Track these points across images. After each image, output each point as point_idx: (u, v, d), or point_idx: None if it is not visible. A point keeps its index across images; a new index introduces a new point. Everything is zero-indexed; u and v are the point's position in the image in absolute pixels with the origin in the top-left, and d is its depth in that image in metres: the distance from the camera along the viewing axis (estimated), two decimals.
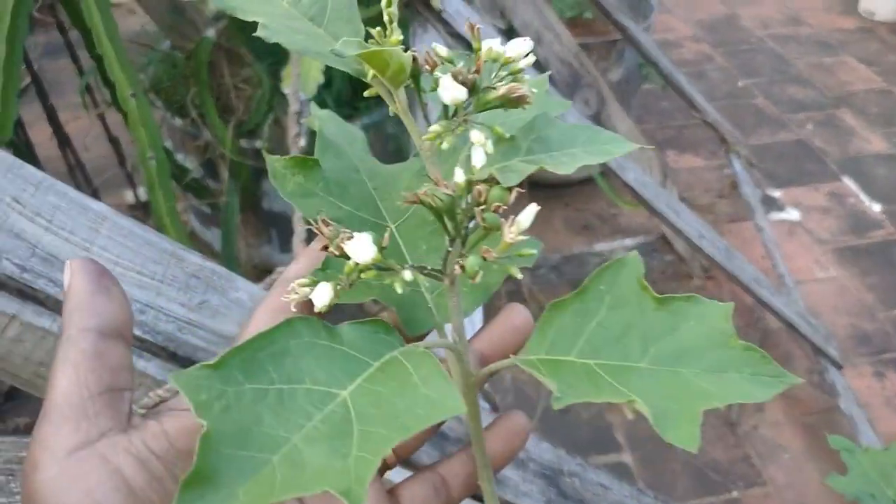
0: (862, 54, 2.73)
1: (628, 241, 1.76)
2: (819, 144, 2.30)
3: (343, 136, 0.37)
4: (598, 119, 1.54)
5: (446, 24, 1.04)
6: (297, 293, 0.30)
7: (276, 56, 1.37)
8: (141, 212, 1.89)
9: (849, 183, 2.15)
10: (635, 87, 2.19)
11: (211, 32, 1.26)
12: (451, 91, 0.29)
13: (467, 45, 1.12)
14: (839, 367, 1.55)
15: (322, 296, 0.30)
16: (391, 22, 0.31)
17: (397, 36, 0.30)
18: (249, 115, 1.37)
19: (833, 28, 2.90)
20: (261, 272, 1.65)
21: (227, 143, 1.36)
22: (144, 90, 1.35)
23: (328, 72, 1.05)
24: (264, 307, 0.33)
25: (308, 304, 0.31)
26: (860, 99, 2.50)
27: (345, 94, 1.36)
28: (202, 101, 1.34)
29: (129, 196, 1.93)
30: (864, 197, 2.10)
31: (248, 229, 1.59)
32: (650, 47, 1.67)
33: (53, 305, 0.46)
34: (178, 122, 1.50)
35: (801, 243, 1.95)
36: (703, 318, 0.31)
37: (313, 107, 0.37)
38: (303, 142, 0.76)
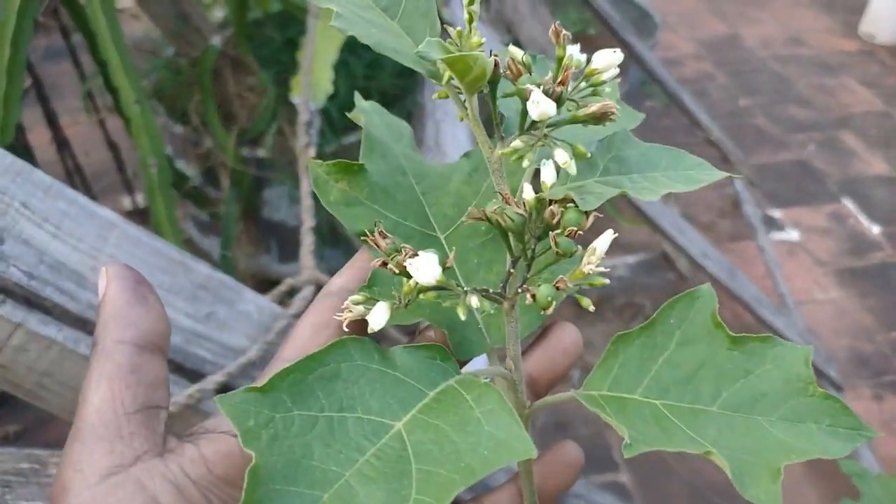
0: (862, 76, 2.74)
1: (629, 259, 1.75)
2: (819, 165, 2.30)
3: (389, 130, 0.35)
4: None
5: None
6: (350, 311, 0.28)
7: (281, 65, 1.36)
8: (138, 218, 1.88)
9: (849, 204, 2.15)
10: (638, 105, 2.19)
11: (216, 40, 1.25)
12: (541, 106, 0.27)
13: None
14: (840, 389, 1.54)
15: (379, 316, 0.28)
16: (471, 21, 0.28)
17: (478, 38, 0.28)
18: (252, 124, 1.36)
19: (834, 50, 2.91)
20: (259, 282, 1.64)
21: (229, 152, 1.35)
22: (147, 96, 1.34)
23: (335, 82, 1.04)
24: (307, 322, 0.31)
25: (356, 321, 0.29)
26: (860, 121, 2.50)
27: (350, 104, 1.35)
28: (205, 109, 1.33)
29: (126, 202, 1.92)
30: (863, 218, 2.10)
31: (248, 239, 1.58)
32: (655, 65, 1.67)
33: (60, 314, 0.45)
34: (180, 129, 1.49)
35: (800, 264, 1.95)
36: (781, 361, 0.29)
37: (358, 98, 0.35)
38: (312, 153, 0.75)
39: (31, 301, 0.44)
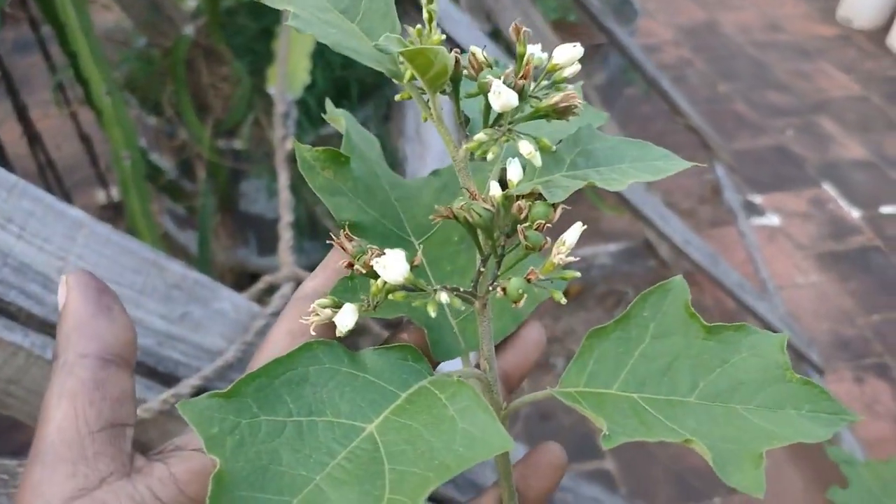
0: (840, 61, 2.76)
1: (611, 247, 1.75)
2: (798, 150, 2.31)
3: (362, 140, 0.34)
4: None
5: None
6: (318, 315, 0.28)
7: (256, 55, 1.33)
8: (113, 212, 1.85)
9: (828, 189, 2.16)
10: (618, 92, 2.18)
11: (189, 29, 1.22)
12: (503, 97, 0.27)
13: (456, 46, 1.11)
14: (821, 372, 1.55)
15: (346, 319, 0.27)
16: (431, 20, 0.28)
17: (438, 35, 0.28)
18: (228, 115, 1.34)
19: (811, 35, 2.92)
20: (237, 276, 1.62)
21: (204, 143, 1.33)
22: (119, 88, 1.31)
23: (312, 73, 1.02)
24: (282, 329, 0.30)
25: (327, 325, 0.28)
26: (838, 106, 2.52)
27: (328, 95, 1.34)
28: (179, 100, 1.30)
29: (101, 196, 1.88)
30: (843, 203, 2.12)
31: (225, 232, 1.55)
32: (635, 52, 1.66)
33: (25, 319, 0.43)
34: (153, 121, 1.45)
35: (781, 249, 1.96)
36: (757, 348, 0.29)
37: (329, 105, 0.34)
38: (289, 144, 0.73)
39: None
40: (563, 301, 0.28)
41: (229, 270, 1.60)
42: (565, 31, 1.99)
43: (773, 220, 2.04)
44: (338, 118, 0.34)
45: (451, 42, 1.06)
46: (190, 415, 0.23)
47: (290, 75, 0.91)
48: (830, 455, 0.69)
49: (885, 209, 2.10)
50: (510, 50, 1.42)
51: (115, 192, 1.82)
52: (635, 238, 1.81)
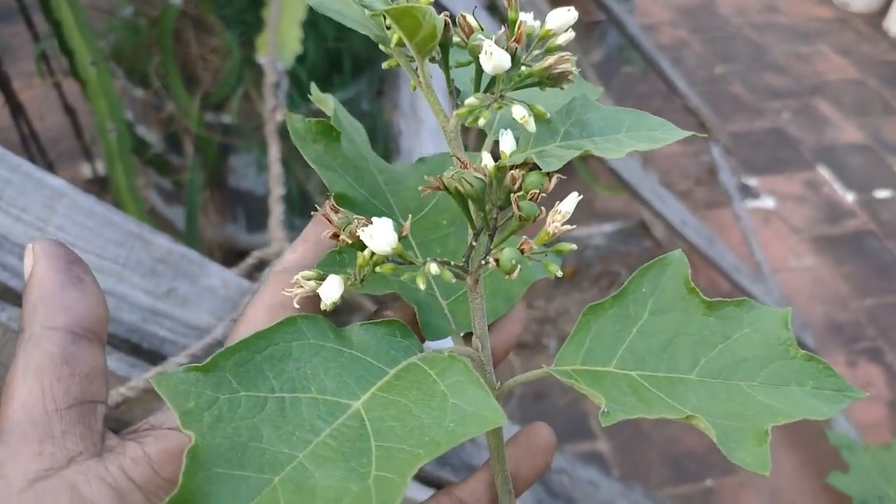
0: (837, 44, 2.73)
1: (606, 227, 1.73)
2: (795, 133, 2.29)
3: (349, 124, 0.33)
4: None
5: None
6: (301, 287, 0.26)
7: (246, 25, 1.30)
8: (98, 186, 1.81)
9: (823, 172, 2.15)
10: (616, 69, 2.15)
11: None
12: (496, 58, 0.25)
13: (452, 21, 1.08)
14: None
15: (331, 291, 0.26)
16: None
17: None
18: (217, 88, 1.30)
19: (809, 17, 2.90)
20: (226, 252, 1.59)
21: (192, 117, 1.29)
22: (105, 58, 1.27)
23: (304, 43, 0.99)
24: (261, 303, 0.28)
25: (310, 299, 0.27)
26: (835, 89, 2.50)
27: (320, 68, 1.30)
28: (166, 72, 1.26)
29: (86, 170, 1.85)
30: (838, 186, 2.10)
31: (213, 207, 1.52)
32: (634, 30, 1.64)
33: (2, 293, 0.41)
34: (140, 93, 1.42)
35: (776, 231, 1.94)
36: (759, 324, 0.28)
37: (314, 89, 0.33)
38: (280, 116, 0.70)
39: None
40: (560, 274, 0.27)
41: (218, 247, 1.57)
42: (562, 6, 1.95)
43: (768, 202, 2.03)
44: (324, 99, 0.33)
45: (446, 15, 1.03)
46: (165, 389, 0.22)
47: (280, 44, 0.88)
48: (831, 439, 0.68)
49: (880, 193, 2.09)
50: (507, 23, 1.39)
51: (100, 166, 1.79)
52: (630, 219, 1.80)
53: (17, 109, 1.46)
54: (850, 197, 2.07)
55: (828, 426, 1.29)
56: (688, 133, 0.29)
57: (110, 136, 1.14)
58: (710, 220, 1.89)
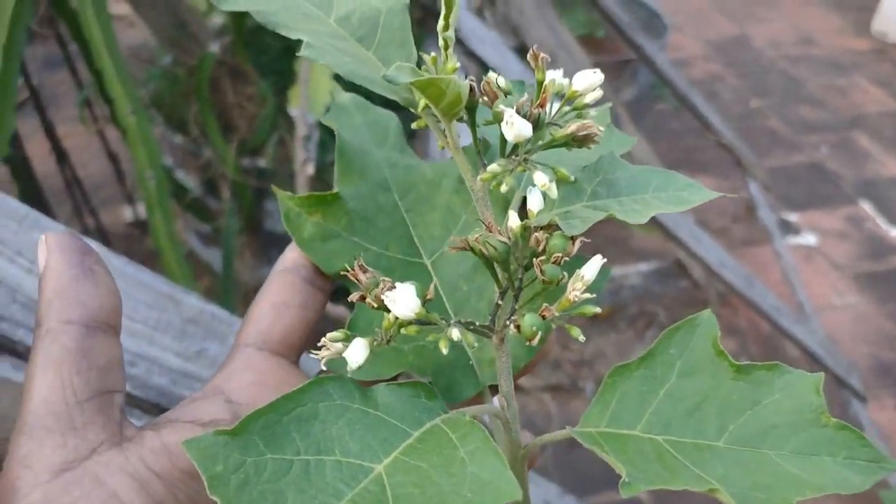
0: (875, 76, 2.69)
1: (642, 266, 1.71)
2: (834, 167, 2.25)
3: (372, 130, 0.33)
4: None
5: (461, 44, 1.00)
6: (328, 349, 0.26)
7: (280, 74, 1.32)
8: (139, 229, 1.85)
9: (865, 207, 2.10)
10: (648, 107, 2.15)
11: (214, 48, 1.21)
12: (516, 127, 0.25)
13: (481, 65, 1.08)
14: (863, 399, 1.50)
15: (357, 354, 0.26)
16: (447, 48, 0.27)
17: (454, 63, 0.27)
18: (253, 134, 1.32)
19: (845, 49, 2.86)
20: None
21: (229, 162, 1.31)
22: (145, 106, 1.30)
23: (335, 91, 1.00)
24: (266, 301, 0.29)
25: (314, 294, 0.28)
26: (874, 121, 2.46)
27: None
28: (204, 119, 1.29)
29: (127, 213, 1.89)
30: (881, 221, 2.05)
31: (249, 250, 1.54)
32: (665, 67, 1.63)
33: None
34: (178, 139, 1.45)
35: (817, 269, 1.90)
36: (790, 389, 0.27)
37: (337, 93, 0.33)
38: (311, 169, 0.71)
39: (2, 345, 0.40)
40: (582, 339, 0.27)
41: (253, 290, 1.59)
42: (593, 47, 1.96)
43: (809, 239, 1.99)
44: (331, 120, 0.33)
45: (476, 60, 1.04)
46: (194, 452, 0.22)
47: (311, 97, 0.90)
48: (885, 500, 0.65)
49: None
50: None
51: (141, 209, 1.82)
52: (667, 257, 1.77)
53: (62, 156, 1.50)
54: (894, 232, 2.02)
55: (881, 484, 1.24)
56: (716, 194, 0.28)
57: (149, 184, 1.16)
58: (749, 259, 1.85)
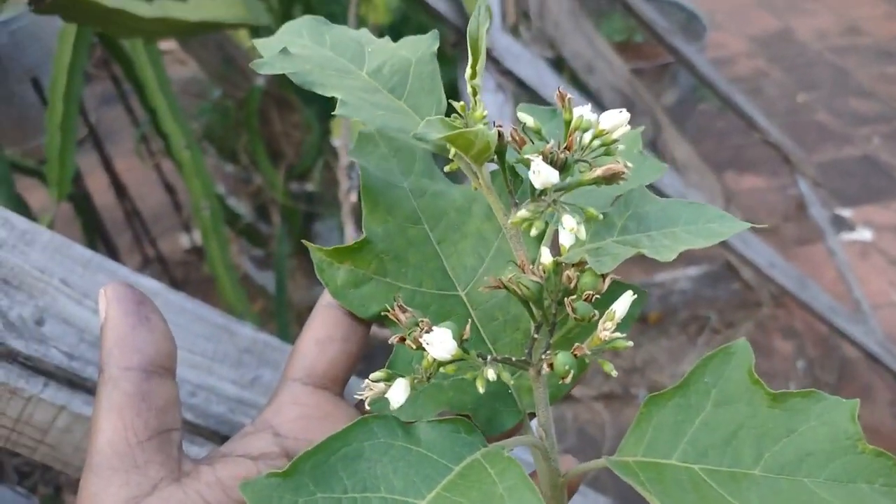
0: None
1: (691, 270, 1.69)
2: (887, 159, 2.19)
3: (398, 160, 0.33)
4: (654, 146, 1.50)
5: (496, 63, 1.02)
6: (371, 390, 0.28)
7: (325, 101, 1.36)
8: (196, 256, 1.92)
9: None
10: (691, 109, 2.13)
11: (260, 81, 1.26)
12: (543, 175, 0.26)
13: (518, 83, 1.10)
14: None
15: (398, 394, 0.27)
16: (475, 94, 0.28)
17: (482, 110, 0.28)
18: (300, 160, 1.37)
19: (894, 36, 2.79)
20: None
21: (278, 188, 1.36)
22: (197, 139, 1.36)
23: None
24: (309, 337, 0.31)
25: (356, 327, 0.30)
26: None
27: None
28: (253, 148, 1.34)
29: (184, 241, 1.95)
30: None
31: (301, 272, 1.59)
32: (705, 69, 1.62)
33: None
34: (230, 168, 1.50)
35: (874, 265, 1.85)
36: (825, 417, 0.27)
37: (363, 125, 0.33)
38: (354, 197, 0.74)
39: (73, 382, 0.43)
40: (615, 374, 0.28)
41: (307, 310, 1.63)
42: (632, 53, 1.96)
43: (864, 234, 1.94)
44: (357, 155, 0.33)
45: (512, 77, 1.06)
46: (250, 495, 0.24)
47: (353, 127, 0.93)
48: None
49: None
50: (574, 78, 1.41)
51: (197, 237, 1.89)
52: (716, 261, 1.75)
53: (120, 189, 1.57)
54: None
55: None
56: (747, 225, 0.28)
57: (204, 213, 1.21)
58: (802, 258, 1.82)
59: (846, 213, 2.01)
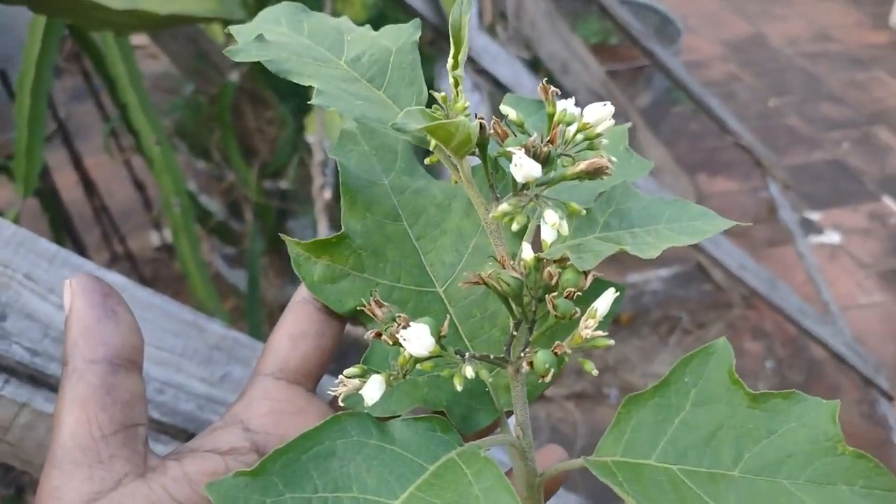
0: (895, 69, 2.67)
1: (662, 272, 1.71)
2: (856, 163, 2.23)
3: (379, 153, 0.33)
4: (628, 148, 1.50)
5: (473, 62, 1.02)
6: (345, 386, 0.27)
7: (299, 97, 1.35)
8: (167, 254, 1.89)
9: (889, 202, 2.08)
10: (665, 111, 2.15)
11: (234, 76, 1.25)
12: (525, 169, 0.26)
13: (494, 82, 1.10)
14: (890, 398, 1.48)
15: (373, 391, 0.27)
16: (457, 85, 0.27)
17: (463, 102, 0.27)
18: (274, 157, 1.35)
19: (864, 44, 2.84)
20: None
21: (251, 185, 1.35)
22: (169, 135, 1.34)
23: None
24: (283, 333, 0.30)
25: (330, 323, 0.29)
26: (895, 116, 2.43)
27: None
28: (226, 144, 1.32)
29: (154, 238, 1.93)
30: None
31: (274, 270, 1.57)
32: (679, 72, 1.64)
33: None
34: (202, 165, 1.48)
35: (842, 267, 1.88)
36: (806, 418, 0.27)
37: (344, 122, 0.33)
38: (328, 194, 0.73)
39: (36, 378, 0.42)
40: (595, 373, 0.27)
41: (279, 308, 1.62)
42: (607, 54, 1.97)
43: (832, 237, 1.97)
44: (337, 153, 0.32)
45: (489, 78, 1.06)
46: (216, 495, 0.23)
47: (327, 123, 0.92)
48: None
49: None
50: (550, 79, 1.41)
51: (168, 235, 1.87)
52: (688, 262, 1.77)
53: (89, 185, 1.55)
54: None
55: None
56: (731, 223, 0.28)
57: (175, 210, 1.19)
58: (773, 260, 1.84)
59: (815, 216, 2.04)
